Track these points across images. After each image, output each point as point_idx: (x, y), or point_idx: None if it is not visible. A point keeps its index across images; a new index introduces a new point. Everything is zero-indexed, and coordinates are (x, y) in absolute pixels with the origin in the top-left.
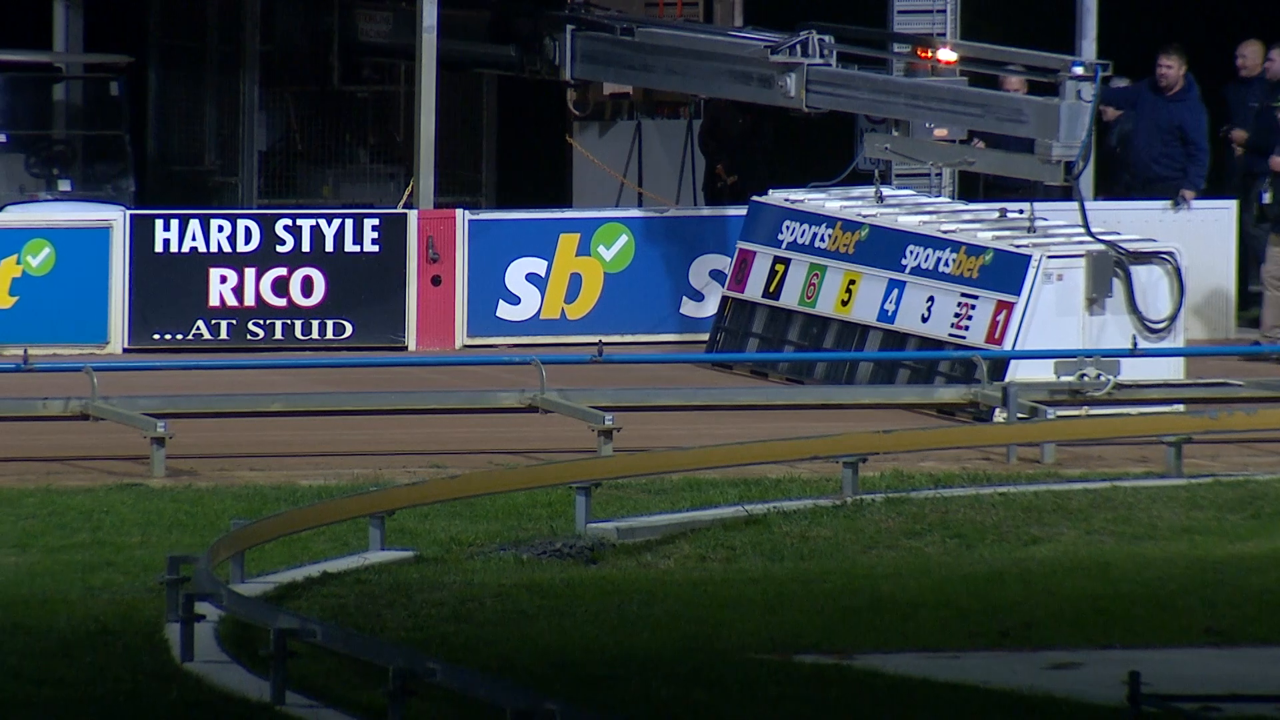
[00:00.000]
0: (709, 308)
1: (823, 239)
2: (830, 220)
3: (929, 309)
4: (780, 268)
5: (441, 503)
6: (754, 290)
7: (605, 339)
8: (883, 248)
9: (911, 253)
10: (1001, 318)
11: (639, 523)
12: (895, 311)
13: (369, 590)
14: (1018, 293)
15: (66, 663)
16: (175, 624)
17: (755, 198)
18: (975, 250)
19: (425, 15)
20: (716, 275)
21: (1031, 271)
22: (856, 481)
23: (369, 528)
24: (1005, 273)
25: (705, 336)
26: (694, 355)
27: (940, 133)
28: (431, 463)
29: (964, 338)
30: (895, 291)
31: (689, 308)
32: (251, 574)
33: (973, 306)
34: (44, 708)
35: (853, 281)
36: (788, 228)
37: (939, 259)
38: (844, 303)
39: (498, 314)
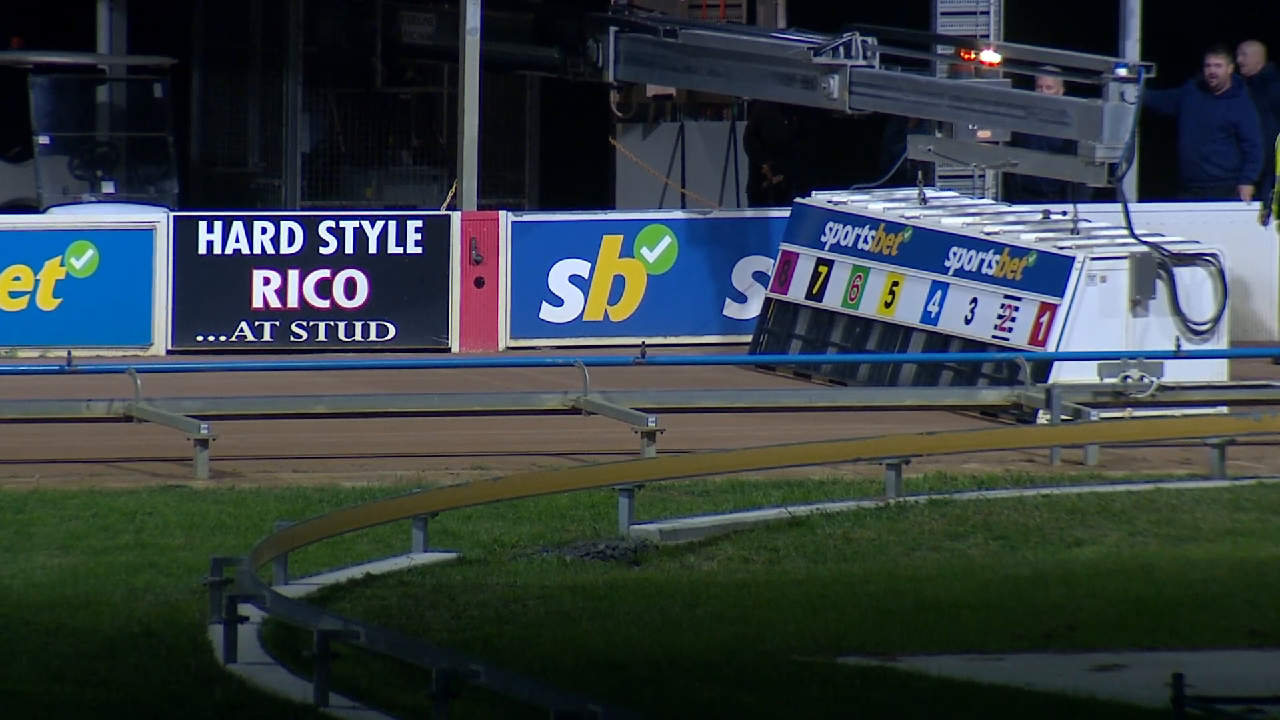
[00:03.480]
0: (752, 309)
1: (866, 241)
2: (873, 222)
3: (972, 311)
4: (823, 269)
5: (484, 504)
6: (797, 292)
7: (648, 341)
8: (926, 249)
9: (954, 254)
10: (1045, 319)
11: (682, 524)
12: (938, 313)
13: (412, 592)
14: (1061, 294)
15: (110, 664)
16: (218, 626)
17: (798, 199)
18: (1018, 252)
19: (468, 17)
20: (759, 277)
21: (1075, 273)
22: (899, 483)
23: (412, 529)
24: (1048, 274)
25: (748, 338)
26: (737, 357)
27: (983, 134)
28: (474, 464)
29: (1007, 339)
30: (938, 293)
31: (732, 309)
32: (295, 576)
33: (1016, 308)
34: (87, 709)
35: (896, 283)
36: (831, 229)
37: (982, 261)
38: (887, 304)
39: (541, 316)
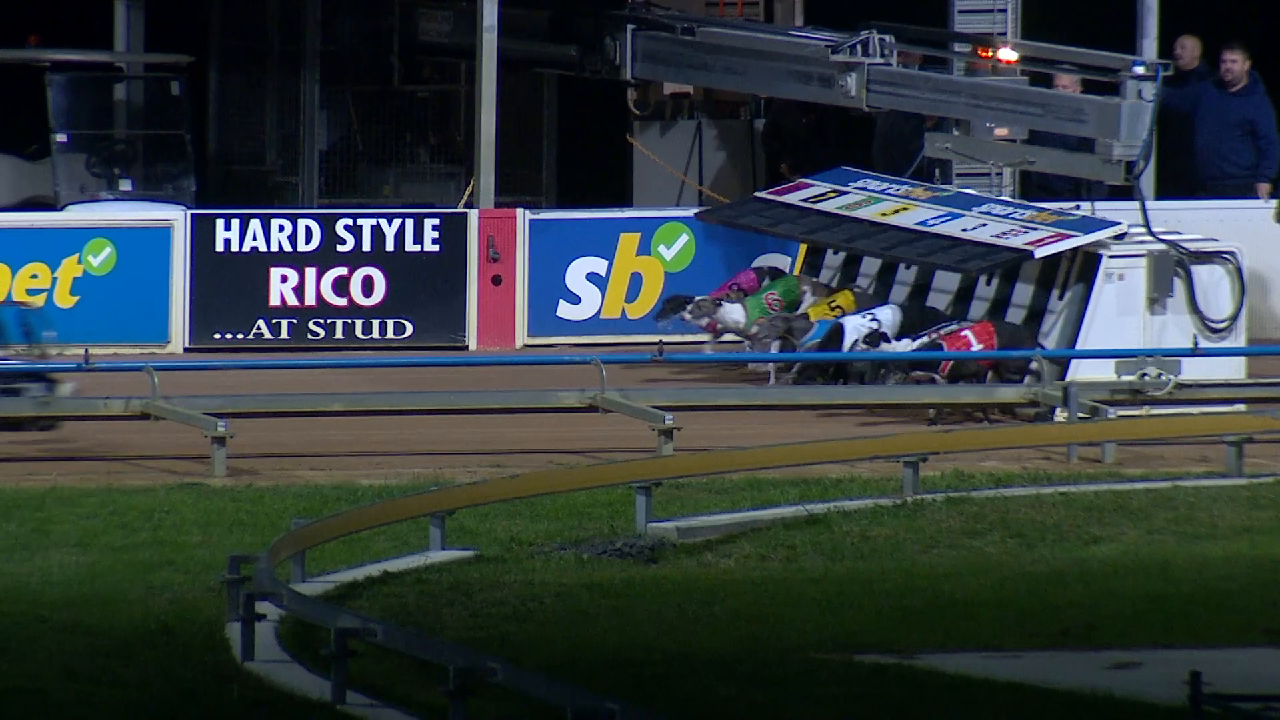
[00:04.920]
0: None
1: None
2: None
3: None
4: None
5: (502, 502)
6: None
7: (665, 339)
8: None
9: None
10: None
11: (699, 522)
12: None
13: (429, 590)
14: None
15: (127, 662)
16: (236, 623)
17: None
18: None
19: (485, 15)
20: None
21: (1093, 271)
22: (917, 481)
23: (429, 527)
24: None
25: None
26: (754, 355)
27: (1001, 132)
28: (492, 462)
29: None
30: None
31: None
32: (312, 573)
33: None
34: (104, 707)
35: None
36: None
37: None
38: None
39: (558, 313)
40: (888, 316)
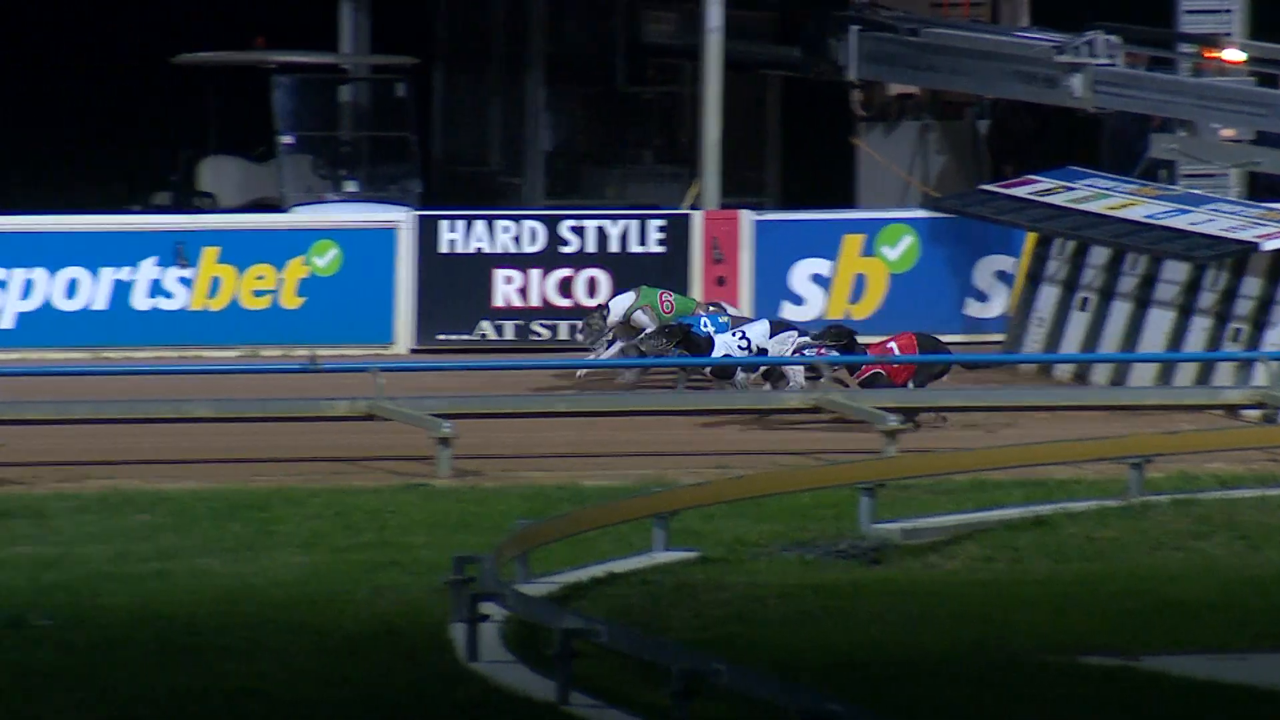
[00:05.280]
0: (994, 309)
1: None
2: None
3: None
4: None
5: (726, 503)
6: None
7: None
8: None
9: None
10: None
11: (924, 523)
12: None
13: (653, 591)
14: None
15: (353, 662)
16: (460, 624)
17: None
18: None
19: (710, 16)
20: (1002, 276)
21: None
22: (1142, 482)
23: (653, 528)
24: None
25: (990, 337)
26: (977, 356)
27: (1227, 133)
28: (715, 463)
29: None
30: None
31: (973, 309)
32: (536, 574)
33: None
34: (330, 707)
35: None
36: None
37: None
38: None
39: (782, 314)
40: (758, 332)
